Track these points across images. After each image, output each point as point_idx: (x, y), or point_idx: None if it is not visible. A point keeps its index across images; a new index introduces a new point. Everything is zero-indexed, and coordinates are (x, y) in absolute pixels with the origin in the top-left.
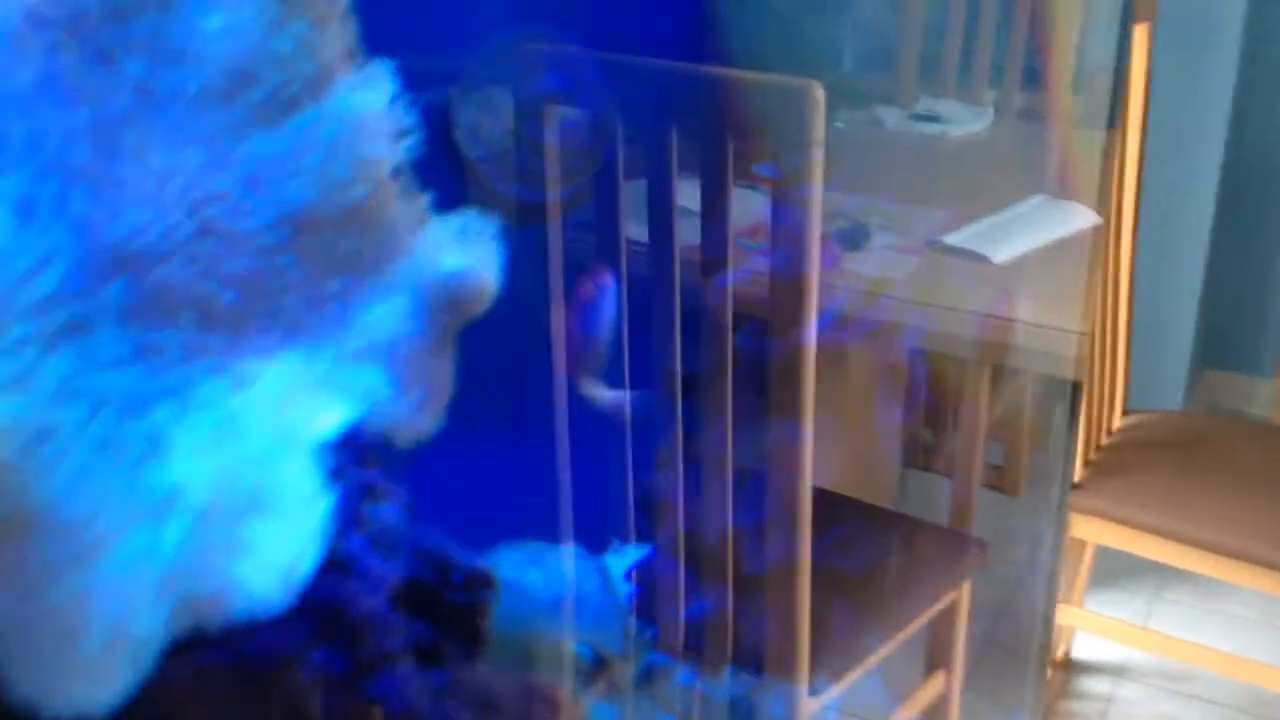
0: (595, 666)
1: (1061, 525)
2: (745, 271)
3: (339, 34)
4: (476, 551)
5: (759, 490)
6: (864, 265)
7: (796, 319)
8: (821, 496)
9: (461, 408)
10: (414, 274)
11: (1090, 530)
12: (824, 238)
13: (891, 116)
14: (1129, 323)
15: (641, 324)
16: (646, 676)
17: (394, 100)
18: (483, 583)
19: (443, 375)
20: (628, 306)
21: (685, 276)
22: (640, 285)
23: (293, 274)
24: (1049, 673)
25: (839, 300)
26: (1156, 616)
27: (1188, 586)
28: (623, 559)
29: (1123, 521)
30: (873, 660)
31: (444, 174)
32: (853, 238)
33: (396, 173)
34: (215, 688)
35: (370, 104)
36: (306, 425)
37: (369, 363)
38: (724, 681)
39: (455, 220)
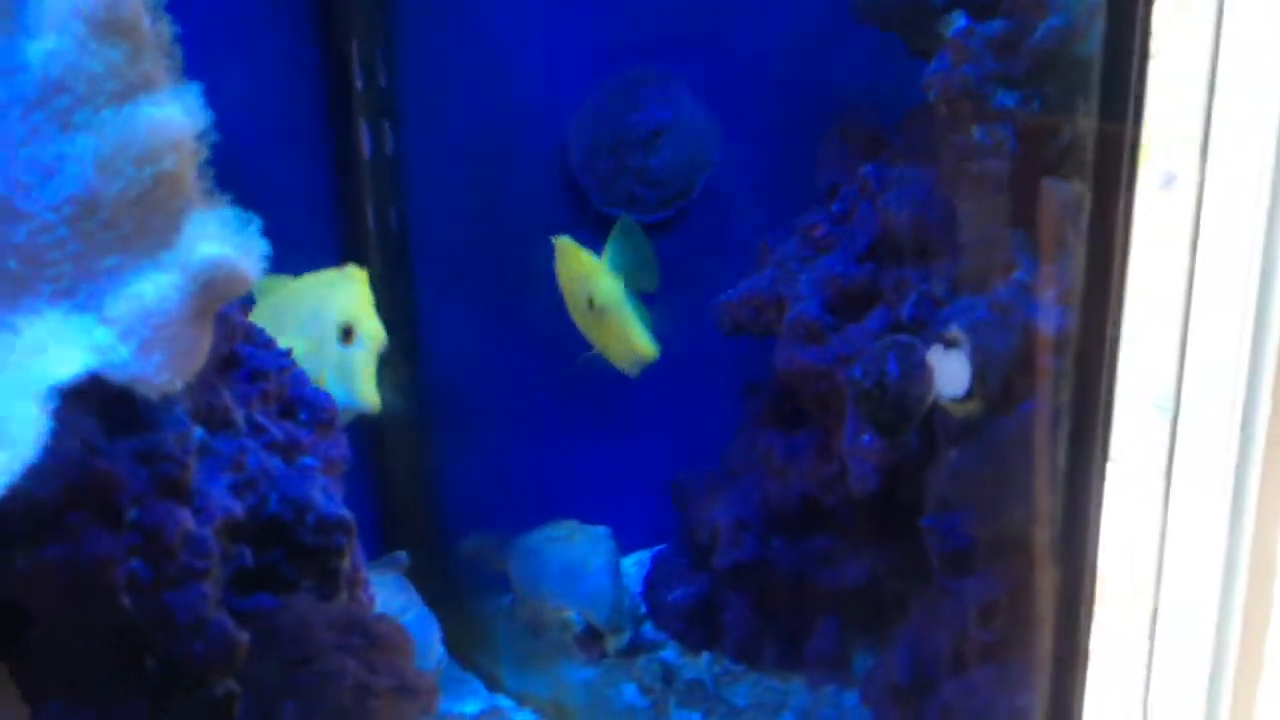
0: (585, 633)
1: None
2: None
3: (151, 59)
4: (517, 524)
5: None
6: None
7: None
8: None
9: (537, 400)
10: (180, 257)
11: None
12: None
13: None
14: None
15: None
16: (631, 648)
17: (194, 113)
18: (336, 527)
19: (192, 344)
20: None
21: None
22: None
23: (72, 248)
24: None
25: None
26: None
27: None
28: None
29: None
30: None
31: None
32: None
33: (185, 173)
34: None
35: (167, 115)
36: (50, 370)
37: (122, 326)
38: (698, 663)
39: (225, 214)
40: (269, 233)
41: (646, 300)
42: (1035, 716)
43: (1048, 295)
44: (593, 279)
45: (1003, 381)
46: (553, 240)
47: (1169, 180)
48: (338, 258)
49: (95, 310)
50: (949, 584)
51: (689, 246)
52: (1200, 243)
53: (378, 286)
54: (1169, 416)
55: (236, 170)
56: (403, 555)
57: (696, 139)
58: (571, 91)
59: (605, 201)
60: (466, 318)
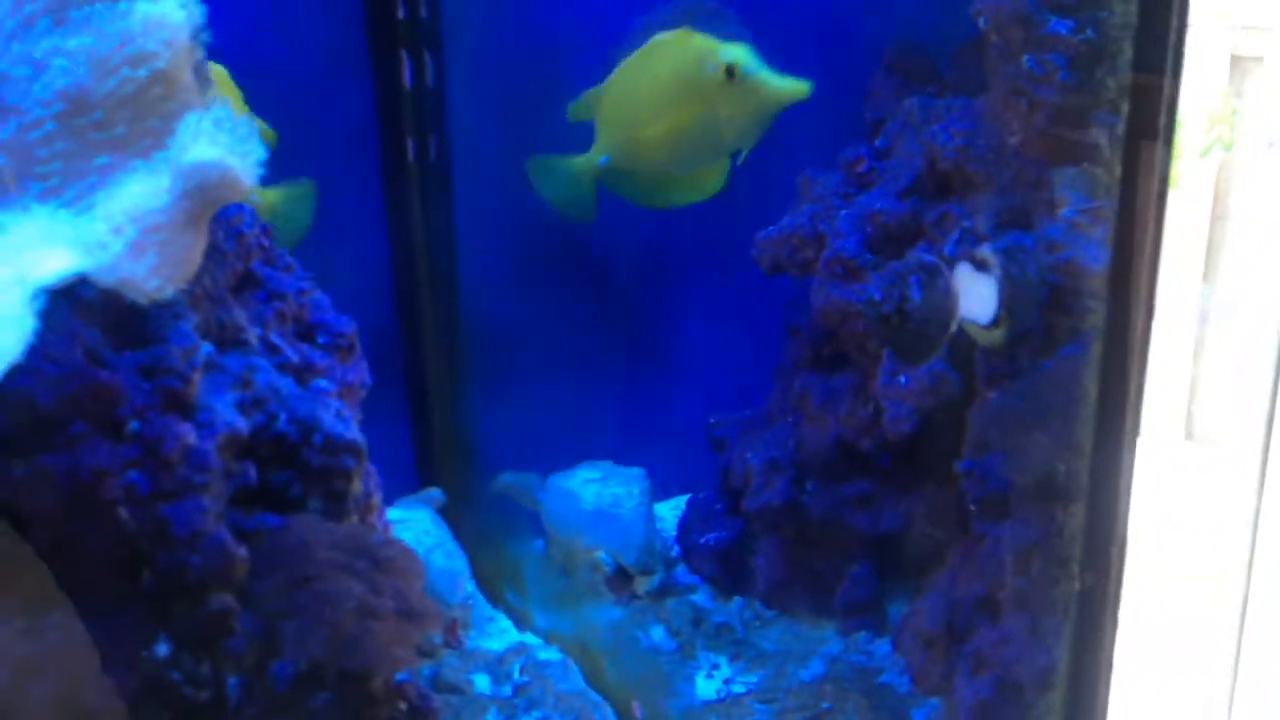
0: (615, 574)
1: None
2: None
3: None
4: (554, 464)
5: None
6: None
7: None
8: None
9: (578, 337)
10: (172, 158)
11: None
12: None
13: None
14: None
15: None
16: (661, 591)
17: (190, 10)
18: (345, 449)
19: (184, 250)
20: None
21: None
22: None
23: (61, 145)
24: None
25: None
26: None
27: None
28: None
29: None
30: None
31: None
32: None
33: (180, 72)
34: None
35: (162, 12)
36: (37, 269)
37: (113, 227)
38: (728, 607)
39: (222, 116)
40: (308, 164)
41: None
42: (1067, 666)
43: (1097, 234)
44: (721, 49)
45: (1041, 318)
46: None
47: (1271, 144)
48: (378, 189)
49: (85, 210)
50: (985, 530)
51: (738, 185)
52: None
53: (417, 219)
54: (1269, 392)
55: (276, 98)
56: (437, 492)
57: None
58: (618, 22)
59: None
60: (506, 252)
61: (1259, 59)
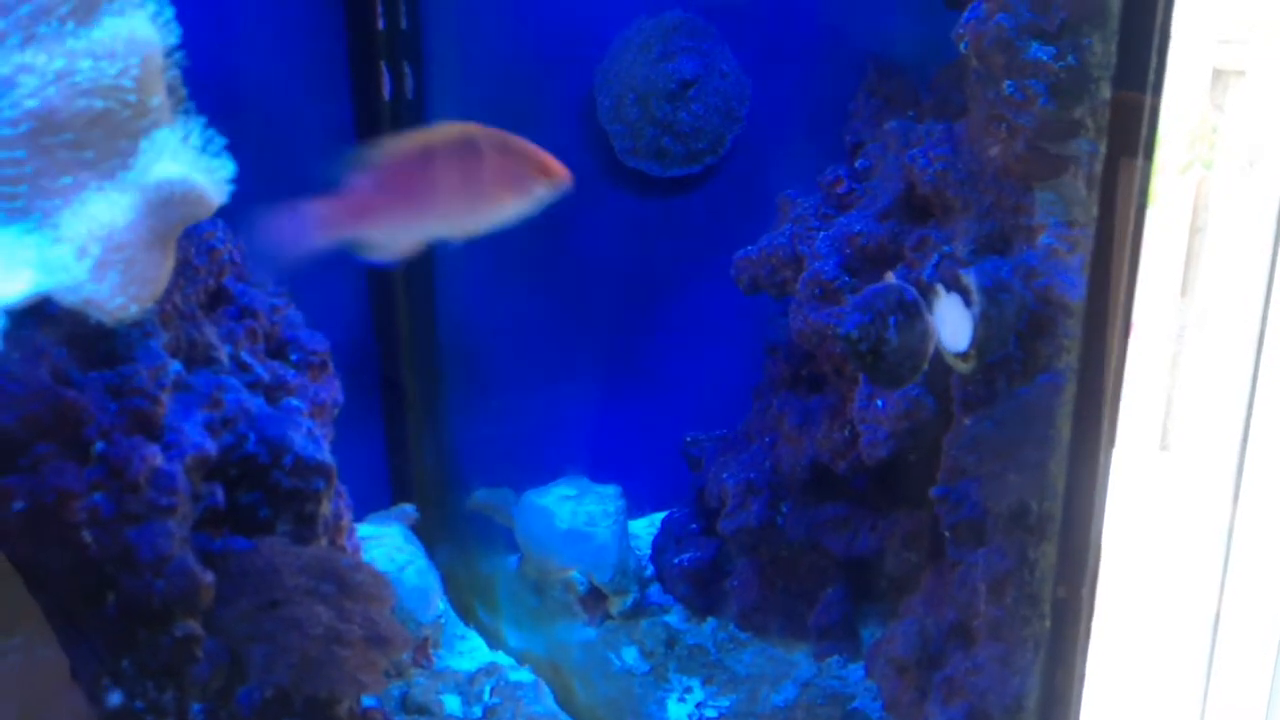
0: (589, 593)
1: None
2: None
3: None
4: (530, 480)
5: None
6: None
7: None
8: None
9: (556, 353)
10: (138, 177)
11: None
12: None
13: None
14: None
15: None
16: (634, 611)
17: (162, 26)
18: (315, 471)
19: (151, 269)
20: None
21: None
22: None
23: (29, 165)
24: None
25: None
26: None
27: None
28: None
29: None
30: None
31: None
32: None
33: (150, 90)
34: None
35: (132, 28)
36: (1, 288)
37: (76, 247)
38: (702, 629)
39: (192, 133)
40: (287, 172)
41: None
42: (1039, 695)
43: (1075, 262)
44: None
45: (1019, 345)
46: None
47: (1251, 163)
48: None
49: (50, 230)
50: (959, 556)
51: (717, 204)
52: None
53: None
54: (1244, 403)
55: (254, 109)
56: (410, 508)
57: (728, 93)
58: (601, 35)
59: (630, 151)
60: (484, 267)
61: (1241, 72)
